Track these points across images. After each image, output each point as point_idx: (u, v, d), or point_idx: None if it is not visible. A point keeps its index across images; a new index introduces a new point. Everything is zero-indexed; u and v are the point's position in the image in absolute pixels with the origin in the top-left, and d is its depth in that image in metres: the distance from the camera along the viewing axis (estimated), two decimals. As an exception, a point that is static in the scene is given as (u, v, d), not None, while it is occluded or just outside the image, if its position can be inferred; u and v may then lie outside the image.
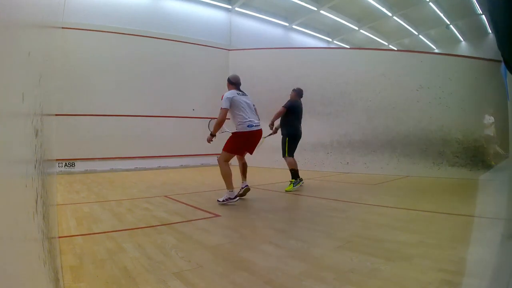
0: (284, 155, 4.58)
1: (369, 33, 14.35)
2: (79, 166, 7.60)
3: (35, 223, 0.65)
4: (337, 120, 7.50)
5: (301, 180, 4.55)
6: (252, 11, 11.44)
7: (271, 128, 4.68)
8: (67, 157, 7.34)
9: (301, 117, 4.78)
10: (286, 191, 4.39)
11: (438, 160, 5.92)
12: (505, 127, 5.24)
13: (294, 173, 4.51)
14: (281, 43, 12.27)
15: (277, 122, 4.79)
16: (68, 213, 3.03)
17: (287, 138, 4.56)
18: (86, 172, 7.55)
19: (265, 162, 8.03)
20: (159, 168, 8.60)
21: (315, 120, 7.74)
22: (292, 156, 4.56)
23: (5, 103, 0.38)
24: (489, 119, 5.62)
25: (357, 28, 13.67)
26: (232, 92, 3.64)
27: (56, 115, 5.83)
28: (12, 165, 0.44)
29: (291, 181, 4.52)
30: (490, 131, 5.60)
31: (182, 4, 9.77)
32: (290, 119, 4.61)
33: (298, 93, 4.85)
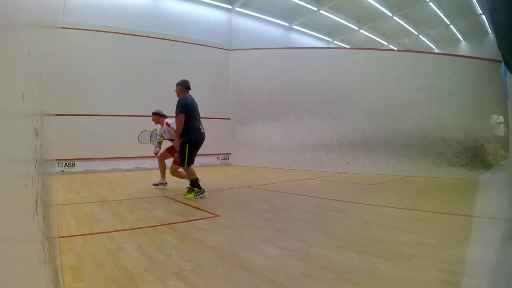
0: (183, 165, 3.84)
1: (369, 33, 14.36)
2: (79, 166, 7.61)
3: (35, 223, 0.65)
4: (337, 120, 7.49)
5: (203, 191, 3.91)
6: (252, 11, 11.44)
7: (177, 149, 3.89)
8: (67, 157, 7.34)
9: (199, 115, 4.00)
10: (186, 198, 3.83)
11: (438, 160, 5.92)
12: (505, 127, 5.24)
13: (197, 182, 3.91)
14: (281, 43, 12.28)
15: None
16: (68, 213, 3.03)
17: (187, 145, 3.81)
18: (86, 172, 7.55)
19: (265, 162, 8.02)
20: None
21: (315, 120, 7.75)
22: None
23: (5, 103, 0.38)
24: (489, 119, 5.62)
25: (357, 28, 13.68)
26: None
27: (56, 115, 5.83)
28: (12, 165, 0.44)
29: (193, 189, 3.90)
30: (490, 131, 5.60)
31: (182, 4, 9.78)
32: (189, 122, 3.84)
33: (183, 85, 4.01)
